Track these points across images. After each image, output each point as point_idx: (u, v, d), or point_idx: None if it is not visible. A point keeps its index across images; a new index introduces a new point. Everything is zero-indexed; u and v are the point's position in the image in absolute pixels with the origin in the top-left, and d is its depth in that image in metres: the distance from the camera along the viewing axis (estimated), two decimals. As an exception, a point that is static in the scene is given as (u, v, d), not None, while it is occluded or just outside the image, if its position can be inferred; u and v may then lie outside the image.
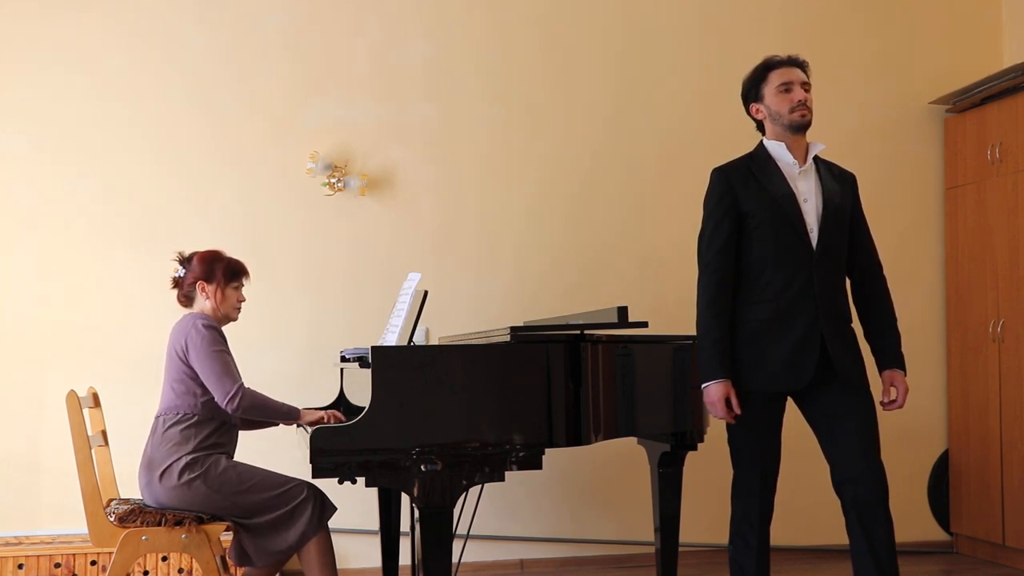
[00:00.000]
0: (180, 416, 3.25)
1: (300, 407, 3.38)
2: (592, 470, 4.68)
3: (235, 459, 3.36)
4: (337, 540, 3.76)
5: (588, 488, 4.71)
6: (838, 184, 3.10)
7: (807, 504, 4.64)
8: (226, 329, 3.40)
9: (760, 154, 3.10)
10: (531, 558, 4.66)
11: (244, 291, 3.47)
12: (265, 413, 3.28)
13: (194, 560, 4.08)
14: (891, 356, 3.11)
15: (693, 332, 3.14)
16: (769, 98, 3.08)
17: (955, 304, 4.94)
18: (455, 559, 3.03)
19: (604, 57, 4.84)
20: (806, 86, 3.08)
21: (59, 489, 4.27)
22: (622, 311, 3.07)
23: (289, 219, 4.56)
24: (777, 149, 3.07)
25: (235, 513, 3.24)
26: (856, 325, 3.11)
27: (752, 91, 3.13)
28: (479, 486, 2.94)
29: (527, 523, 4.66)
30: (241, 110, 4.55)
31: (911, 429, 4.88)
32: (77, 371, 4.28)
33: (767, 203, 3.01)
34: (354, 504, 4.29)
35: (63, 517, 4.29)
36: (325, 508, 3.27)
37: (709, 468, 4.13)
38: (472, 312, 4.64)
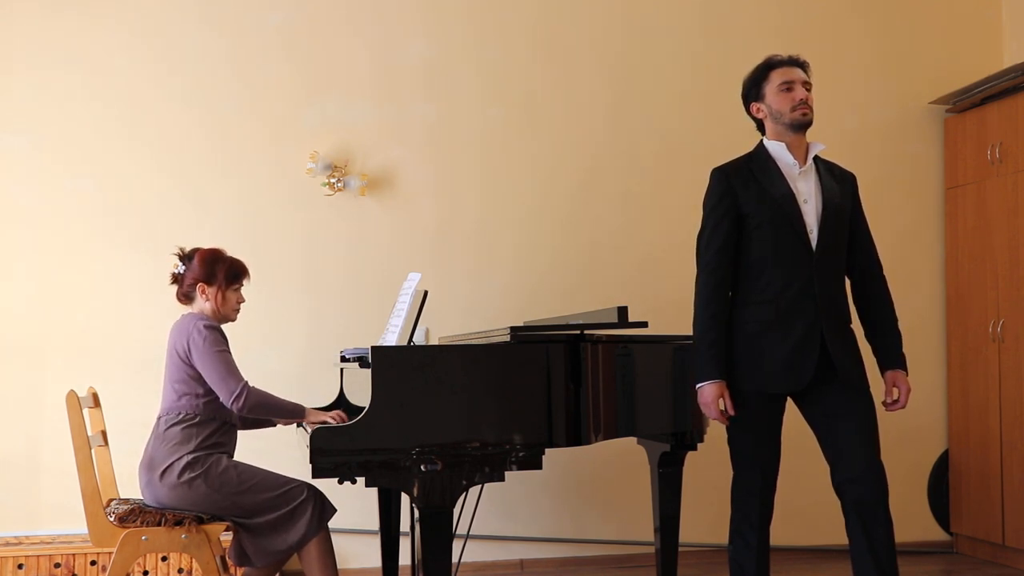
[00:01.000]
0: (182, 416, 3.25)
1: (304, 406, 3.37)
2: (592, 470, 4.68)
3: (236, 459, 3.36)
4: (337, 540, 3.76)
5: (588, 488, 4.71)
6: (838, 184, 3.09)
7: (807, 504, 4.64)
8: (226, 329, 3.40)
9: (760, 154, 3.10)
10: (531, 558, 4.66)
11: (244, 291, 3.47)
12: (270, 411, 3.28)
13: (194, 560, 4.08)
14: (893, 356, 3.11)
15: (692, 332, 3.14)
16: (770, 97, 3.08)
17: (955, 304, 4.94)
18: (455, 559, 3.03)
19: (603, 57, 4.84)
20: (807, 86, 3.08)
21: (59, 489, 4.27)
22: (622, 311, 3.07)
23: (289, 219, 4.56)
24: (777, 149, 3.07)
25: (235, 513, 3.24)
26: (857, 325, 3.11)
27: (753, 90, 3.13)
28: (479, 486, 2.94)
29: (527, 523, 4.66)
30: (241, 110, 4.55)
31: (911, 429, 4.88)
32: (77, 371, 4.28)
33: (767, 203, 3.01)
34: (354, 504, 4.29)
35: (63, 517, 4.29)
36: (325, 509, 3.26)
37: (709, 468, 4.13)
38: (472, 312, 4.64)
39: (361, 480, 2.89)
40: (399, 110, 4.66)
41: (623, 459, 4.55)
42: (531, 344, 2.94)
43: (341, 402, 3.91)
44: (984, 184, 4.75)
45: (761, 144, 3.12)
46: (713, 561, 4.63)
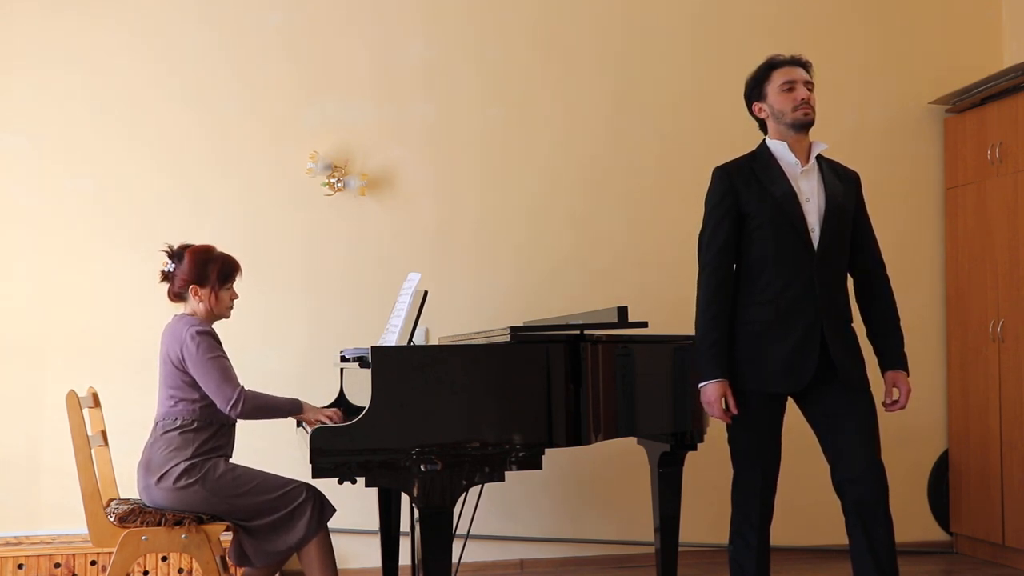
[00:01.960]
0: (179, 422, 3.23)
1: (300, 400, 3.37)
2: (592, 470, 4.68)
3: (234, 460, 3.36)
4: (337, 540, 3.76)
5: (588, 488, 4.71)
6: (841, 183, 3.09)
7: (807, 504, 4.64)
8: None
9: (762, 153, 3.10)
10: (531, 558, 4.66)
11: (240, 288, 3.45)
12: (268, 413, 3.28)
13: (194, 560, 4.08)
14: (894, 357, 3.11)
15: (693, 332, 3.14)
16: (772, 97, 3.08)
17: (955, 304, 4.94)
18: (455, 559, 3.03)
19: (603, 57, 4.84)
20: (809, 85, 3.09)
21: (59, 489, 4.27)
22: (622, 311, 3.07)
23: (289, 219, 4.56)
24: (779, 148, 3.07)
25: (234, 516, 3.23)
26: (858, 325, 3.11)
27: (755, 90, 3.14)
28: (479, 486, 2.94)
29: (527, 523, 4.66)
30: (241, 110, 4.55)
31: (911, 429, 4.88)
32: (77, 371, 4.28)
33: (768, 202, 3.01)
34: (354, 504, 4.29)
35: (63, 517, 4.29)
36: (325, 509, 3.26)
37: (709, 468, 4.13)
38: (472, 312, 4.64)
39: (361, 480, 2.89)
40: (399, 110, 4.66)
41: (623, 459, 4.55)
42: (531, 344, 2.94)
43: (341, 402, 3.91)
44: (984, 184, 4.75)
45: (763, 144, 3.13)
46: (713, 561, 4.63)
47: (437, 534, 2.86)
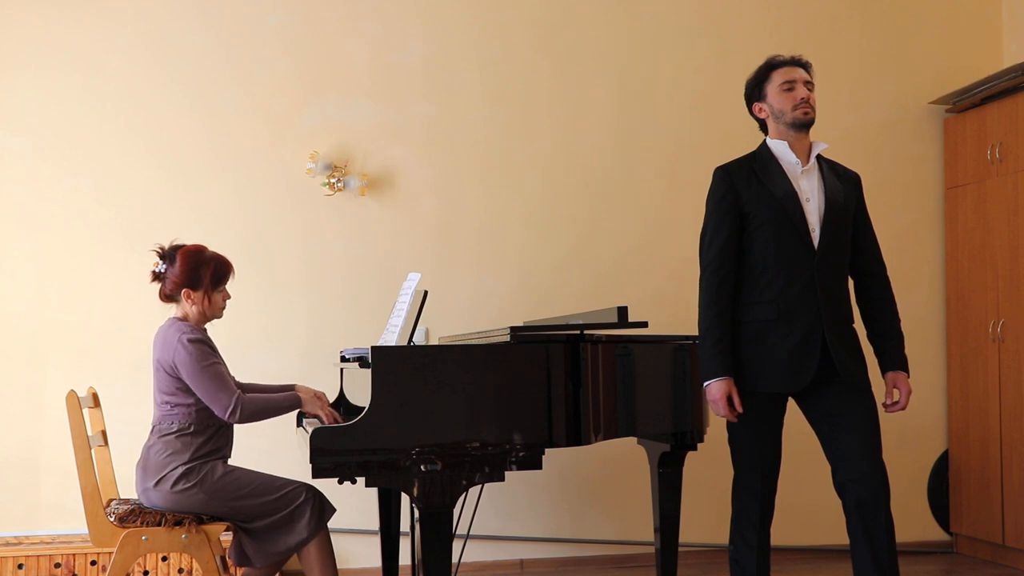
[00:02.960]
0: (177, 427, 3.21)
1: (298, 388, 3.35)
2: (592, 470, 4.68)
3: (234, 461, 3.36)
4: (337, 540, 3.76)
5: (588, 488, 4.71)
6: (842, 184, 3.10)
7: (807, 504, 4.64)
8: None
9: (763, 153, 3.10)
10: (531, 558, 4.66)
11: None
12: (266, 414, 3.26)
13: (194, 560, 4.08)
14: (894, 358, 3.11)
15: (693, 332, 3.14)
16: (772, 97, 3.09)
17: (955, 304, 4.94)
18: (455, 559, 3.03)
19: (604, 56, 4.84)
20: (809, 85, 3.09)
21: (59, 489, 4.27)
22: (622, 311, 3.07)
23: (289, 219, 4.56)
24: (780, 148, 3.07)
25: (234, 517, 3.23)
26: (858, 326, 3.11)
27: (755, 90, 3.14)
28: (479, 486, 2.94)
29: (527, 523, 4.66)
30: (240, 110, 4.55)
31: (911, 429, 4.88)
32: (76, 371, 4.29)
33: (769, 202, 3.01)
34: (354, 504, 4.30)
35: (63, 517, 4.29)
36: (324, 509, 3.26)
37: (709, 468, 4.13)
38: (472, 312, 4.64)
39: (361, 480, 2.89)
40: (399, 110, 4.66)
41: (623, 459, 4.55)
42: (531, 344, 2.94)
43: (341, 402, 3.91)
44: (984, 184, 4.75)
45: (764, 144, 3.13)
46: (713, 561, 4.63)
47: (437, 534, 2.86)
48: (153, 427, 3.28)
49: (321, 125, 4.59)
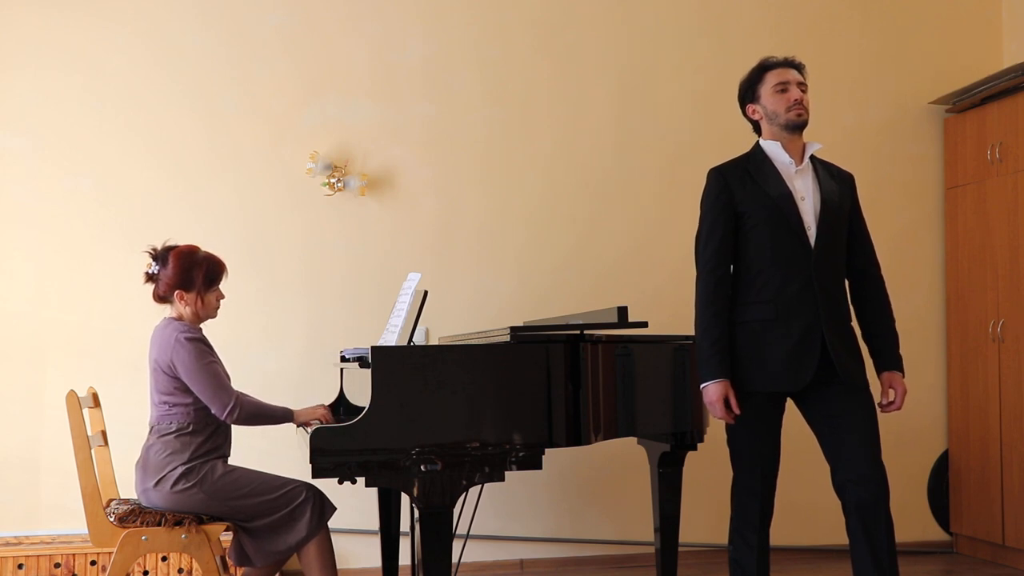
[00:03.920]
0: (175, 427, 3.21)
1: (293, 407, 3.36)
2: (592, 470, 4.68)
3: (235, 461, 3.36)
4: (337, 540, 3.76)
5: (588, 488, 4.71)
6: (836, 184, 3.10)
7: (807, 504, 4.64)
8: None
9: (757, 154, 3.11)
10: (531, 558, 4.66)
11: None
12: (262, 420, 3.27)
13: (194, 560, 4.08)
14: (890, 358, 3.11)
15: (693, 332, 3.14)
16: (765, 98, 3.09)
17: (955, 304, 4.94)
18: (455, 559, 3.03)
19: (604, 56, 4.84)
20: (802, 86, 3.09)
21: (59, 489, 4.27)
22: (622, 311, 3.07)
23: (289, 219, 4.56)
24: (773, 149, 3.08)
25: (234, 517, 3.23)
26: (854, 325, 3.11)
27: (748, 92, 3.14)
28: (479, 486, 2.94)
29: (527, 523, 4.66)
30: (240, 110, 4.55)
31: (911, 429, 4.88)
32: (76, 371, 4.29)
33: (764, 202, 3.01)
34: (354, 504, 4.30)
35: (63, 517, 4.29)
36: (325, 509, 3.26)
37: (709, 468, 4.13)
38: (472, 312, 4.64)
39: (361, 480, 2.89)
40: (399, 110, 4.66)
41: (623, 459, 4.55)
42: (531, 344, 2.94)
43: (341, 402, 3.91)
44: (984, 184, 4.75)
45: (757, 145, 3.13)
46: (713, 561, 4.63)
47: (437, 534, 2.86)
48: (151, 427, 3.28)
49: (321, 125, 4.59)
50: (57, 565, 4.10)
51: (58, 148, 4.43)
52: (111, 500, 3.45)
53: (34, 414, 4.34)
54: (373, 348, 2.87)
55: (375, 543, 4.25)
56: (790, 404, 3.11)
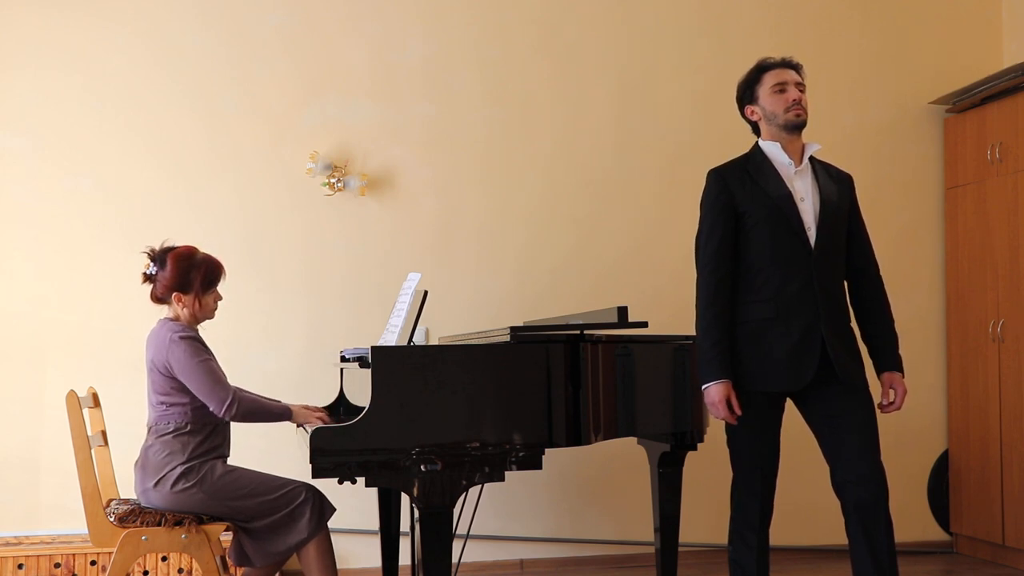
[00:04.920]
0: (173, 427, 3.21)
1: (291, 405, 3.36)
2: (592, 470, 4.68)
3: (234, 460, 3.35)
4: (337, 540, 3.76)
5: (588, 488, 4.71)
6: (835, 184, 3.10)
7: (807, 504, 4.64)
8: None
9: (756, 155, 3.10)
10: (531, 558, 4.66)
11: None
12: (260, 416, 3.28)
13: (194, 560, 4.08)
14: (889, 358, 3.11)
15: (693, 332, 3.14)
16: (764, 99, 3.08)
17: (955, 304, 4.94)
18: (455, 559, 3.03)
19: (605, 56, 4.84)
20: (800, 87, 3.09)
21: (59, 489, 4.27)
22: (622, 311, 3.07)
23: (289, 219, 4.56)
24: (772, 149, 3.07)
25: (234, 517, 3.23)
26: (854, 326, 3.11)
27: (747, 93, 3.14)
28: (479, 486, 2.94)
29: (527, 523, 4.66)
30: (240, 110, 4.55)
31: (911, 429, 4.88)
32: (76, 371, 4.29)
33: (764, 203, 3.01)
34: (354, 504, 4.29)
35: (63, 517, 4.29)
36: (324, 509, 3.26)
37: (709, 468, 4.13)
38: (472, 312, 4.64)
39: (361, 480, 2.89)
40: (399, 110, 4.66)
41: (623, 459, 4.55)
42: (531, 344, 2.94)
43: (341, 402, 3.91)
44: (984, 184, 4.75)
45: (756, 145, 3.13)
46: (713, 561, 4.63)
47: (437, 534, 2.86)
48: (149, 428, 3.28)
49: (321, 125, 4.59)
50: (57, 565, 4.10)
51: (58, 148, 4.43)
52: (111, 500, 3.45)
53: (34, 414, 4.34)
54: (373, 348, 2.87)
55: (375, 543, 4.25)
56: (790, 404, 3.11)
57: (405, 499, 4.00)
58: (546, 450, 2.93)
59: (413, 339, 3.30)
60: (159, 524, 3.15)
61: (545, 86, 4.79)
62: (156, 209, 4.46)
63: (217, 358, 3.30)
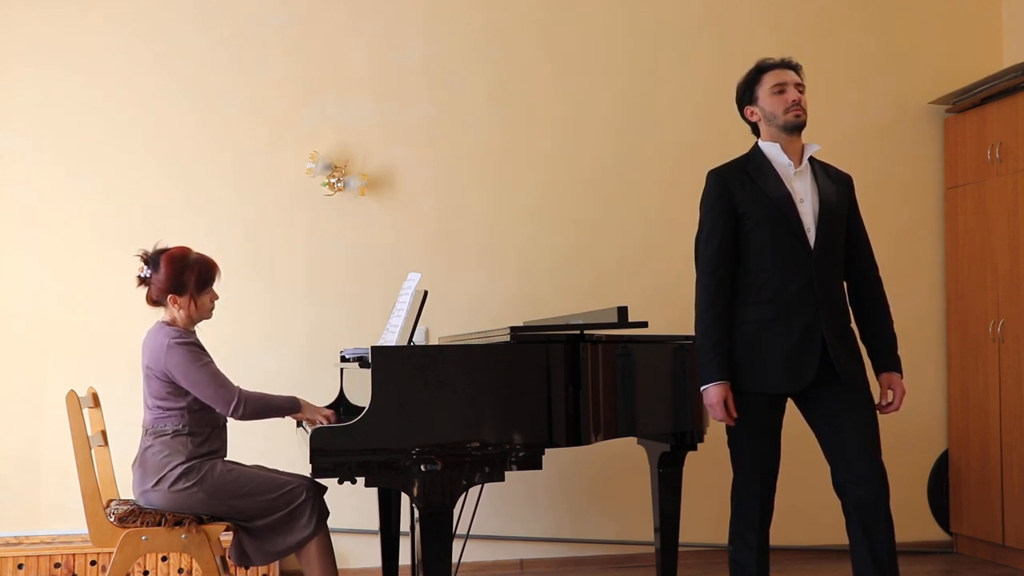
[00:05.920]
0: (171, 430, 3.21)
1: (298, 397, 3.36)
2: (592, 470, 4.68)
3: (232, 461, 3.35)
4: (337, 540, 3.76)
5: (588, 488, 4.71)
6: (835, 185, 3.10)
7: (807, 504, 4.64)
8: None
9: (755, 156, 3.10)
10: (531, 558, 4.66)
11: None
12: (268, 412, 3.27)
13: (194, 560, 4.08)
14: (888, 359, 3.11)
15: (693, 332, 3.14)
16: (763, 100, 3.08)
17: (955, 304, 4.94)
18: (455, 559, 3.03)
19: (605, 56, 4.84)
20: (800, 87, 3.09)
21: (59, 489, 4.27)
22: (622, 311, 3.08)
23: (289, 219, 4.56)
24: (772, 150, 3.07)
25: (234, 516, 3.23)
26: (853, 327, 3.11)
27: (746, 94, 3.14)
28: (479, 486, 2.94)
29: (527, 523, 4.66)
30: (241, 110, 4.55)
31: (911, 429, 4.88)
32: (77, 371, 4.29)
33: (763, 203, 3.01)
34: (354, 504, 4.30)
35: (63, 517, 4.29)
36: (325, 507, 3.26)
37: (709, 468, 4.13)
38: (472, 312, 4.64)
39: (361, 480, 2.89)
40: (399, 110, 4.66)
41: (623, 459, 4.55)
42: (531, 344, 2.94)
43: (341, 402, 3.91)
44: (984, 184, 4.75)
45: (756, 146, 3.13)
46: (713, 561, 4.63)
47: (437, 534, 2.86)
48: (147, 430, 3.26)
49: (321, 125, 4.59)
50: (57, 565, 4.10)
51: (58, 148, 4.43)
52: (111, 500, 3.45)
53: (34, 414, 4.34)
54: (373, 348, 2.87)
55: (375, 543, 4.25)
56: (790, 404, 3.11)
57: (405, 499, 4.00)
58: (546, 450, 2.93)
59: (413, 339, 3.30)
60: (159, 524, 3.15)
61: (546, 86, 4.79)
62: (156, 209, 4.46)
63: (217, 358, 3.30)
